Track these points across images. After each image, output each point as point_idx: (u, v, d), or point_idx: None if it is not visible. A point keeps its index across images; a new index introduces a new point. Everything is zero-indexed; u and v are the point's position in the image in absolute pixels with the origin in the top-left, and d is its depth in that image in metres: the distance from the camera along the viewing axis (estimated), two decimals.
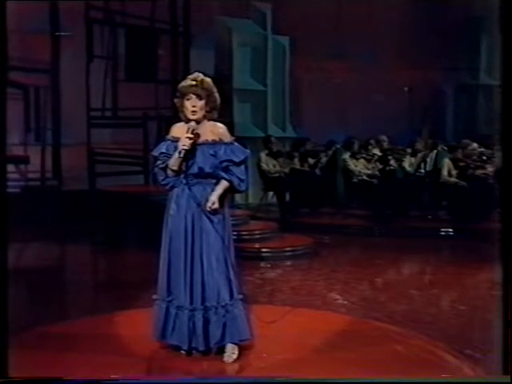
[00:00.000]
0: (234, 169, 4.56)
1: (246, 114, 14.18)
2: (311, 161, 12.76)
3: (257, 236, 9.83)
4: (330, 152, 12.89)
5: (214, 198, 4.50)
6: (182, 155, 4.47)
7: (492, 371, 4.64)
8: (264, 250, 9.31)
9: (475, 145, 12.44)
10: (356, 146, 12.84)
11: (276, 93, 14.44)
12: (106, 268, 9.40)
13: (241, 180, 4.59)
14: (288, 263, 8.93)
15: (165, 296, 4.61)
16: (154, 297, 4.70)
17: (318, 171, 12.71)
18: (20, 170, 11.64)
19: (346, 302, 6.84)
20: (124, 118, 12.64)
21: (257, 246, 9.40)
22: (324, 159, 12.82)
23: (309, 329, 5.39)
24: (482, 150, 12.38)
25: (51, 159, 12.25)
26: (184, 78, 4.66)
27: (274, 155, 12.46)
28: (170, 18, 12.97)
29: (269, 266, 8.71)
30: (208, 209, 4.49)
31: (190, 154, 4.51)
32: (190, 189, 4.56)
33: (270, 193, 12.74)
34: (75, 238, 10.27)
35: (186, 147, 4.45)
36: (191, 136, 4.46)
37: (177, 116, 4.67)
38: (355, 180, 12.41)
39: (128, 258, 9.25)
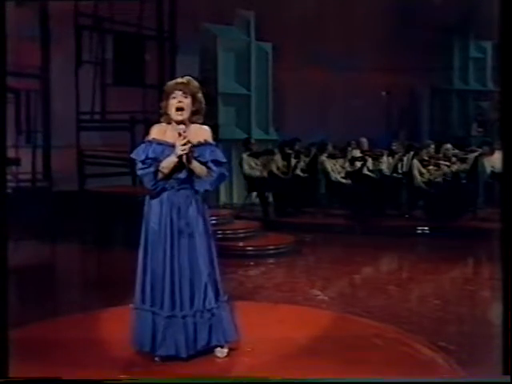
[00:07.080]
0: (215, 169, 4.47)
1: (230, 117, 14.32)
2: (293, 162, 12.90)
3: (241, 235, 9.99)
4: (311, 154, 13.05)
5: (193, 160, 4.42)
6: (184, 160, 4.36)
7: (465, 362, 4.81)
8: (248, 248, 9.51)
9: (449, 145, 12.79)
10: (330, 148, 12.97)
11: (259, 97, 14.58)
12: (95, 266, 9.52)
13: (213, 181, 4.50)
14: (271, 261, 9.10)
15: (148, 305, 4.48)
16: (133, 306, 4.57)
17: (299, 172, 12.83)
18: (11, 172, 11.55)
19: (326, 298, 7.02)
20: (112, 121, 12.66)
21: (241, 244, 9.58)
22: (306, 160, 12.96)
23: (290, 324, 5.51)
24: (456, 151, 12.77)
25: (42, 161, 12.34)
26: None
27: (255, 156, 12.64)
28: (156, 25, 13.01)
29: (252, 263, 8.89)
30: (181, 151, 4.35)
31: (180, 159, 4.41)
32: (177, 192, 4.46)
33: (254, 193, 12.89)
34: (65, 237, 10.36)
35: (186, 151, 4.33)
36: (185, 141, 4.34)
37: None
38: (333, 179, 12.58)
39: (115, 256, 9.36)
